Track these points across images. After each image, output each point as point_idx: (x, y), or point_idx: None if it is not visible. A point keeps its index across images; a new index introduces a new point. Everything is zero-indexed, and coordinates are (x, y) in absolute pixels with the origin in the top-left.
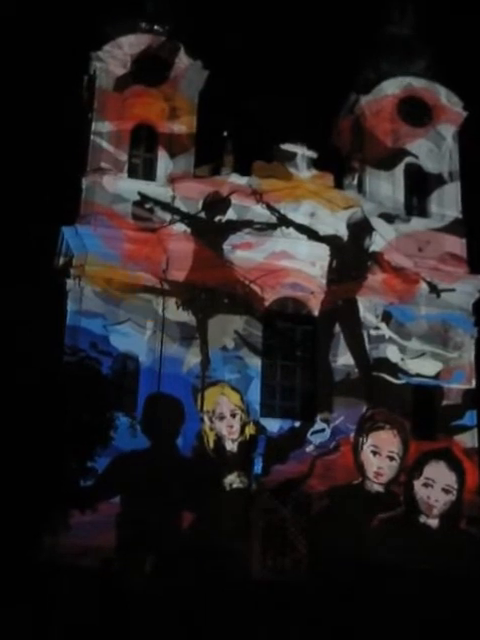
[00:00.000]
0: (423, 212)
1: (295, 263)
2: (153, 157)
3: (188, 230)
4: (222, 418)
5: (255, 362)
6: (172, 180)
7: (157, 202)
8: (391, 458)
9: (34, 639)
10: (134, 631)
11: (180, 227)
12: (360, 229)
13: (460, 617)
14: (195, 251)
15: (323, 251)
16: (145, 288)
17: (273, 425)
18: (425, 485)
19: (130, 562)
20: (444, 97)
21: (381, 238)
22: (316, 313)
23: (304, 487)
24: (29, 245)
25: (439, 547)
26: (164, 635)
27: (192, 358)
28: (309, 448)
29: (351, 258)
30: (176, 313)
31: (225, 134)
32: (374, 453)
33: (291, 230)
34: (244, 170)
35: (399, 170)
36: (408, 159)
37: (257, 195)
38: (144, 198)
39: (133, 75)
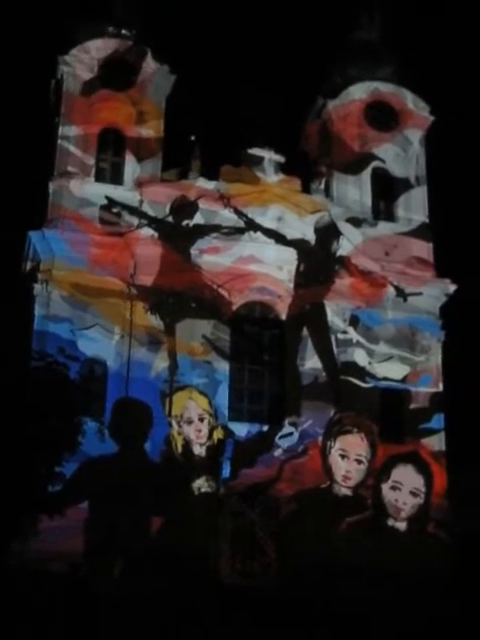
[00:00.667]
0: (390, 216)
1: (262, 267)
2: (120, 161)
3: (155, 234)
4: (190, 422)
5: (223, 366)
6: (139, 184)
7: (124, 206)
8: (359, 462)
9: None
10: (103, 635)
11: (147, 231)
12: (327, 233)
13: (428, 619)
14: (162, 255)
15: (290, 255)
16: (113, 292)
17: (241, 429)
18: (393, 488)
19: (99, 567)
20: (411, 102)
21: (348, 242)
22: (284, 317)
23: (272, 491)
24: None
25: (407, 550)
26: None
27: (160, 363)
28: (277, 452)
29: (318, 262)
30: (144, 317)
31: (192, 138)
32: (342, 457)
33: (259, 234)
34: (212, 174)
35: (366, 174)
36: (375, 163)
37: (225, 199)
38: (111, 202)
39: (100, 79)
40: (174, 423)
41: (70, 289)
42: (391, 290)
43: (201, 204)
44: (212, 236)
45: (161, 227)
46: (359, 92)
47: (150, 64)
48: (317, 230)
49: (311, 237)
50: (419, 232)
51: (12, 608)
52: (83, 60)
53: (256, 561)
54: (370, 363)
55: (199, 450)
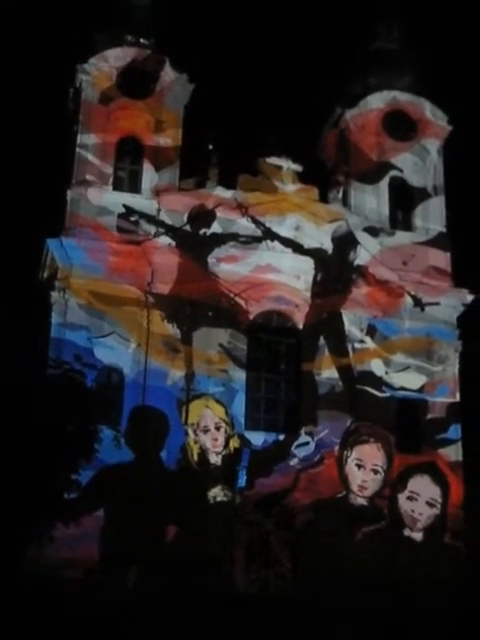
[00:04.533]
0: (408, 226)
1: (280, 276)
2: (138, 170)
3: (173, 243)
4: (206, 431)
5: (240, 375)
6: (157, 193)
7: (142, 215)
8: (375, 471)
9: None
10: None
11: (165, 240)
12: (345, 242)
13: (443, 630)
14: (180, 264)
15: (308, 264)
16: (130, 301)
17: (257, 438)
18: (409, 498)
19: (113, 574)
20: (429, 111)
21: (366, 251)
22: (300, 326)
23: (288, 500)
24: (13, 257)
25: (423, 560)
26: None
27: (177, 371)
28: (293, 461)
29: (336, 271)
30: (161, 326)
31: (210, 147)
32: (358, 466)
33: (276, 243)
34: (229, 183)
35: (384, 184)
36: (393, 173)
37: (242, 208)
38: (129, 211)
39: (119, 88)
40: (190, 432)
41: (87, 297)
42: (408, 300)
43: (219, 213)
44: (229, 245)
45: (178, 236)
46: (377, 101)
47: (168, 73)
48: (334, 239)
49: (328, 246)
50: (437, 242)
51: (25, 614)
52: (102, 69)
53: (271, 570)
54: (387, 373)
55: (215, 459)
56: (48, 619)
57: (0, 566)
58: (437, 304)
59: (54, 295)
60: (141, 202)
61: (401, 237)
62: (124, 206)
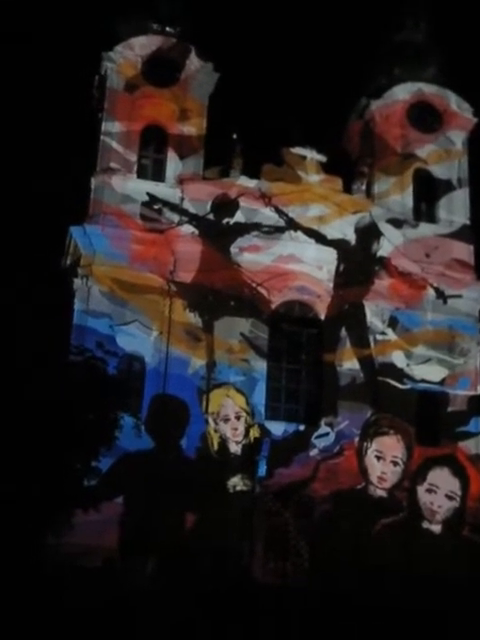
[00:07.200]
0: (431, 218)
1: (302, 266)
2: (162, 158)
3: (196, 232)
4: (227, 420)
5: (260, 365)
6: (181, 181)
7: (166, 203)
8: (395, 463)
9: (36, 638)
10: (135, 631)
11: (188, 228)
12: (368, 234)
13: (460, 625)
14: (203, 253)
15: (330, 255)
16: (152, 289)
17: (277, 428)
18: (428, 491)
19: (132, 562)
20: (454, 103)
21: (389, 243)
22: (322, 317)
23: (307, 491)
24: (37, 244)
25: (441, 553)
26: (165, 636)
27: (198, 360)
28: (313, 452)
29: (358, 262)
30: (182, 314)
31: (234, 136)
32: (378, 458)
33: (299, 233)
34: (253, 173)
35: (408, 175)
36: (417, 164)
37: (266, 198)
38: (153, 199)
39: (144, 76)
40: (211, 420)
41: (110, 284)
42: (431, 292)
43: (242, 202)
44: (252, 234)
45: (202, 224)
46: (403, 93)
47: (194, 62)
48: (358, 230)
49: (351, 237)
50: (460, 234)
51: (44, 601)
52: (127, 57)
53: (289, 561)
54: (408, 365)
55: (235, 448)
56: (67, 606)
57: (20, 553)
58: (459, 297)
59: (77, 282)
60: (165, 190)
61: (424, 229)
62: (148, 194)
